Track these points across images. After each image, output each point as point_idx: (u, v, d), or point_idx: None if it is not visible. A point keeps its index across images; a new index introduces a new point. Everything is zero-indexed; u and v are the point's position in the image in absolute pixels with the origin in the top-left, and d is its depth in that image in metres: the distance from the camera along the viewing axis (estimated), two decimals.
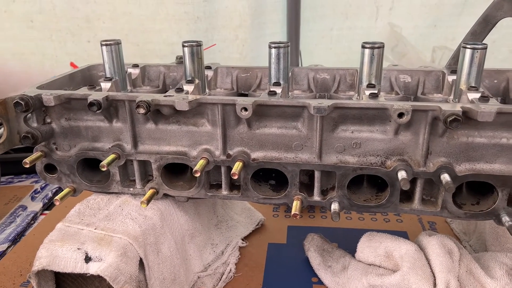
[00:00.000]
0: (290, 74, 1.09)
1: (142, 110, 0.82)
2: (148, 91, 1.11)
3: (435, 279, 0.86)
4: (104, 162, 0.87)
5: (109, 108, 0.89)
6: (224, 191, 0.93)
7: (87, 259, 0.80)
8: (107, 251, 0.80)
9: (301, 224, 1.28)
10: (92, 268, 0.79)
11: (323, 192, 0.90)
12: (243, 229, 1.21)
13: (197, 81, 0.97)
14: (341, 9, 2.09)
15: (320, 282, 1.02)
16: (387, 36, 2.01)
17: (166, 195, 0.95)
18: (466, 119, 0.76)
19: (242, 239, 1.18)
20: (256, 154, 0.89)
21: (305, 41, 2.16)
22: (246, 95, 1.10)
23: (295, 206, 0.87)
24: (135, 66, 1.14)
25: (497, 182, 0.80)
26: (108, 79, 0.99)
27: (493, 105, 0.76)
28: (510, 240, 0.96)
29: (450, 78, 0.99)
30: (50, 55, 2.19)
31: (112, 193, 0.98)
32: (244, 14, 2.01)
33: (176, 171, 0.96)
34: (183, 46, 0.96)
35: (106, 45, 0.99)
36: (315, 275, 1.03)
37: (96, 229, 0.85)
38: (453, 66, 1.02)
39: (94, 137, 0.93)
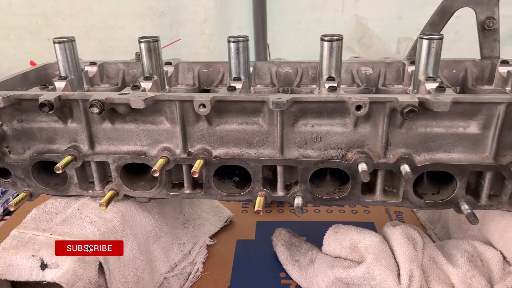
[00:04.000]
0: (252, 68, 1.08)
1: (95, 110, 0.80)
2: (106, 89, 1.08)
3: (399, 269, 0.87)
4: (59, 165, 0.84)
5: (62, 109, 0.86)
6: (187, 190, 0.91)
7: (43, 266, 0.77)
8: (64, 257, 0.77)
9: (270, 219, 1.28)
10: (49, 275, 0.76)
11: (287, 187, 0.89)
12: (211, 227, 1.20)
13: (155, 77, 0.94)
14: (307, 2, 2.09)
15: (288, 277, 1.01)
16: (353, 28, 2.02)
17: (127, 196, 0.93)
18: (423, 109, 0.76)
19: (210, 237, 1.16)
20: (218, 151, 0.87)
21: (272, 34, 2.15)
22: (208, 91, 1.09)
23: (258, 202, 0.86)
24: (93, 63, 1.11)
25: (455, 171, 0.81)
26: (63, 78, 0.96)
27: (449, 95, 0.77)
28: (472, 227, 0.97)
29: (410, 68, 1.00)
30: (8, 54, 2.10)
31: (71, 196, 0.95)
32: (209, 8, 1.98)
33: (138, 171, 0.94)
34: (139, 42, 0.93)
35: (59, 42, 0.96)
36: (283, 270, 1.03)
37: (52, 234, 0.82)
38: (413, 56, 1.02)
39: (48, 139, 0.90)
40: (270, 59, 2.07)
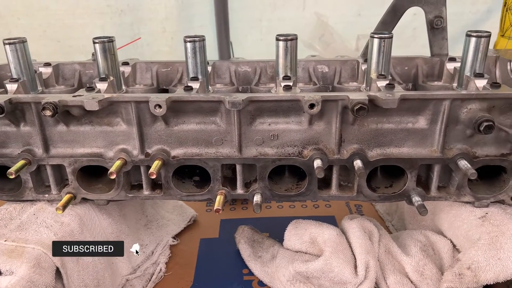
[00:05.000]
0: (211, 68, 1.08)
1: (48, 112, 0.78)
2: (62, 90, 1.06)
3: (356, 261, 0.89)
4: (12, 169, 0.82)
5: (14, 112, 0.84)
6: (146, 191, 0.91)
7: None
8: (18, 264, 0.75)
9: (234, 217, 1.29)
10: (3, 283, 0.74)
11: (246, 185, 0.91)
12: (174, 227, 1.20)
13: (111, 78, 0.93)
14: (269, 0, 2.11)
15: (250, 273, 1.02)
16: (314, 26, 2.05)
17: (85, 199, 0.92)
18: (374, 106, 0.79)
19: (173, 237, 1.16)
20: (176, 152, 0.87)
21: (235, 32, 2.16)
22: (167, 91, 1.08)
23: (218, 201, 0.87)
24: (47, 64, 1.08)
25: (405, 164, 0.84)
26: (14, 80, 0.93)
27: (398, 92, 0.80)
28: (425, 218, 1.02)
29: (364, 66, 1.03)
30: None
31: (27, 201, 0.93)
32: (169, 6, 1.96)
33: (95, 173, 0.93)
34: (94, 42, 0.92)
35: (10, 44, 0.93)
36: (246, 267, 1.04)
37: (6, 241, 0.80)
38: (367, 55, 1.05)
39: (0, 143, 0.88)
40: (233, 56, 2.07)
